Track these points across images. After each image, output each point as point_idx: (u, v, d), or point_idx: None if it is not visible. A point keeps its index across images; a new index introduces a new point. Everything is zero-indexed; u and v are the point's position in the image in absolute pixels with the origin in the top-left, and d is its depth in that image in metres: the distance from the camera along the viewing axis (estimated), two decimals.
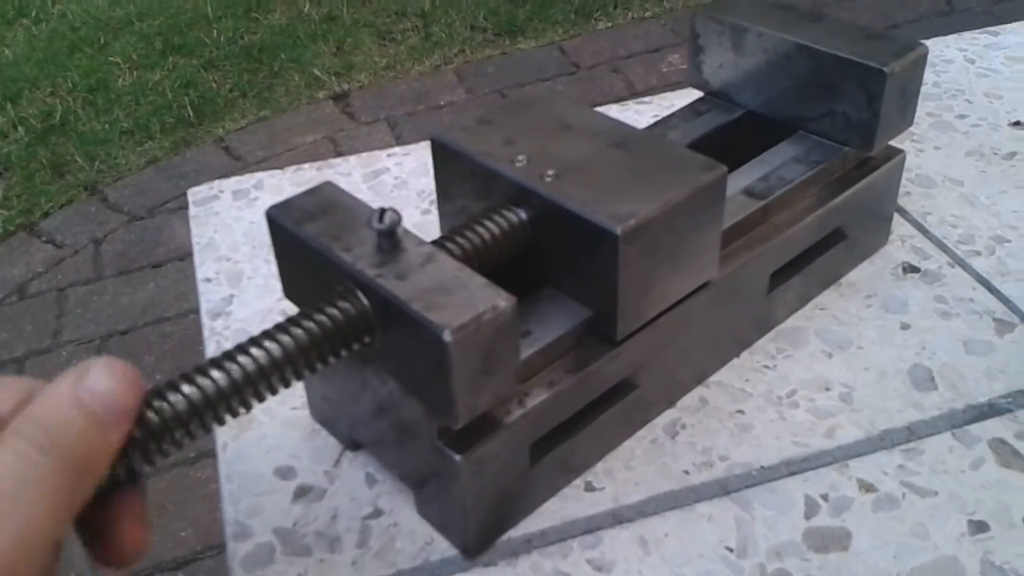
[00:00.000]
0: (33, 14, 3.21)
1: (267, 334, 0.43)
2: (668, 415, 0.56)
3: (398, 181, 0.76)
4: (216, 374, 0.41)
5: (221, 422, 0.41)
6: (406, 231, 0.46)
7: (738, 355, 0.60)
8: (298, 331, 0.43)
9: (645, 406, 0.55)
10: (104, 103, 2.75)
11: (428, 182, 0.76)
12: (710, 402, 0.57)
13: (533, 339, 0.49)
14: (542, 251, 0.51)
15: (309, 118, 2.65)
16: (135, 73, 2.86)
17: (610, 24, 2.96)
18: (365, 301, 0.44)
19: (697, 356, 0.57)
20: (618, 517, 0.51)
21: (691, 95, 0.69)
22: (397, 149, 0.80)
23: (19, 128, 2.66)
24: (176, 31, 3.03)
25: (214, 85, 2.79)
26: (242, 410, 0.42)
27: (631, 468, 0.53)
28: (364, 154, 0.79)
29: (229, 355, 0.42)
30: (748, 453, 0.53)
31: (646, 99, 0.86)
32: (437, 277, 0.43)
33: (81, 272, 2.23)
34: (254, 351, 0.42)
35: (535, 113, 0.56)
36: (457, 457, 0.45)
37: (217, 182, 0.76)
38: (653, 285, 0.50)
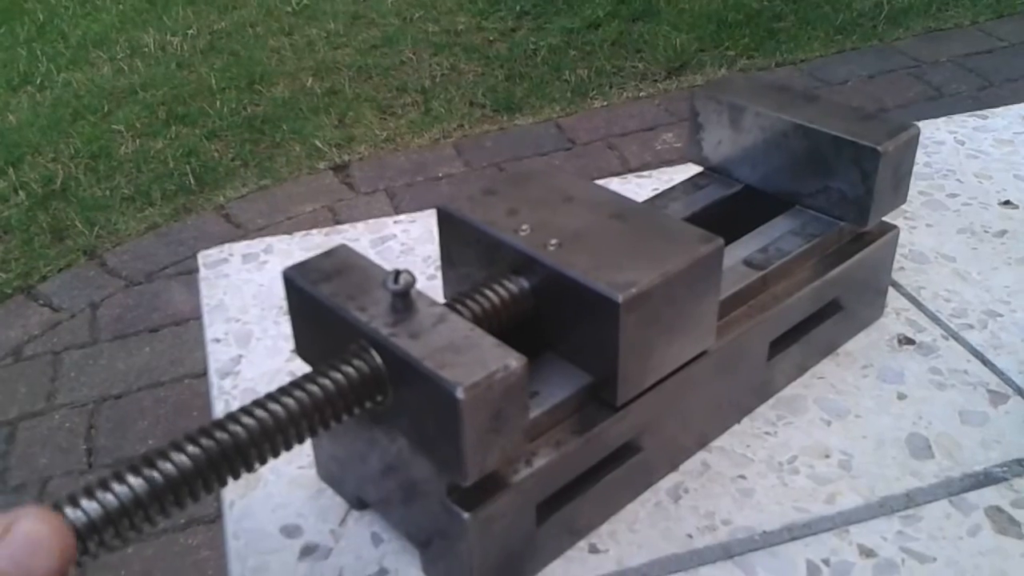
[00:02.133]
0: (38, 81, 3.26)
1: (283, 391, 0.44)
2: (671, 479, 0.57)
3: (404, 247, 0.78)
4: (220, 435, 0.41)
5: (223, 483, 0.42)
6: (420, 292, 0.47)
7: (739, 421, 0.61)
8: (313, 388, 0.44)
9: (648, 469, 0.56)
10: (106, 169, 2.79)
11: (433, 248, 0.77)
12: (712, 466, 0.58)
13: (540, 400, 0.50)
14: (544, 317, 0.52)
15: (309, 188, 2.69)
16: (137, 141, 2.90)
17: (606, 103, 3.03)
18: (378, 359, 0.45)
19: (699, 421, 0.58)
20: None
21: (688, 170, 0.71)
22: (403, 216, 0.82)
23: (20, 192, 2.69)
24: (179, 101, 3.08)
25: (216, 154, 2.83)
26: (256, 465, 0.42)
27: (635, 531, 0.54)
28: (371, 220, 0.81)
29: (241, 413, 0.43)
30: (750, 517, 0.54)
31: (645, 173, 0.89)
32: (449, 337, 0.44)
33: (77, 336, 2.23)
34: (271, 406, 0.43)
35: (537, 185, 0.58)
36: (465, 515, 0.46)
37: (227, 245, 0.78)
38: (652, 352, 0.51)
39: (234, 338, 0.68)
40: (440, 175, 2.72)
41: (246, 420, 0.42)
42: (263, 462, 0.43)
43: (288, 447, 0.44)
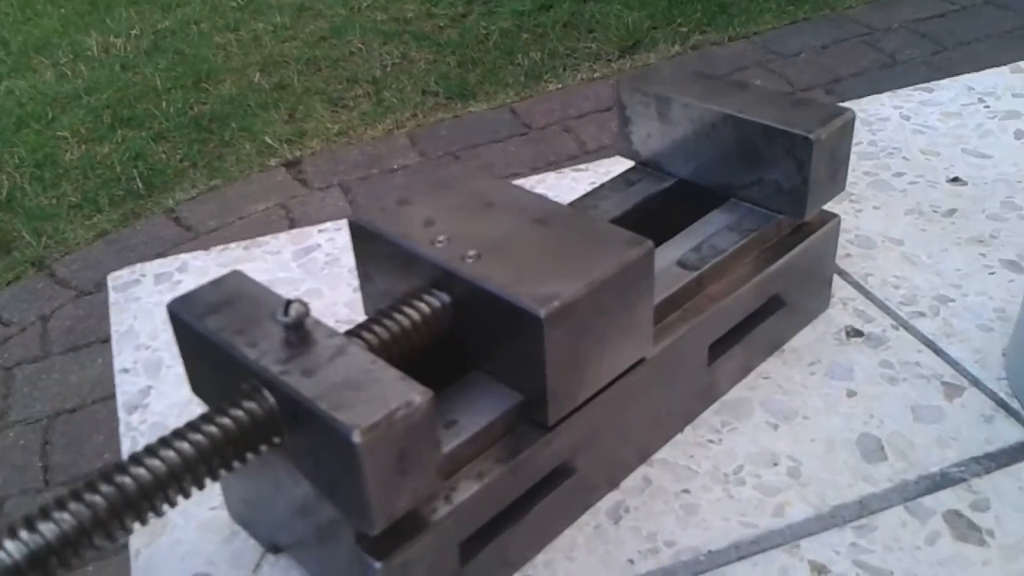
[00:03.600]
0: None
1: (164, 441, 0.40)
2: (611, 498, 0.53)
3: (330, 258, 0.74)
4: (106, 489, 0.38)
5: (113, 540, 0.38)
6: (316, 322, 0.43)
7: (682, 430, 0.57)
8: (198, 437, 0.40)
9: (585, 491, 0.52)
10: (52, 177, 2.71)
11: None
12: (654, 482, 0.54)
13: (459, 428, 0.46)
14: (467, 334, 0.49)
15: (261, 186, 2.63)
16: (83, 147, 2.82)
17: (560, 86, 2.99)
18: (271, 400, 0.41)
19: (638, 434, 0.55)
20: None
21: (625, 162, 0.68)
22: (328, 224, 0.78)
23: None
24: (124, 104, 3.00)
25: (164, 156, 2.76)
26: (145, 518, 0.39)
27: (573, 559, 0.50)
28: (295, 231, 0.77)
29: (120, 467, 0.39)
30: (695, 536, 0.51)
31: (582, 167, 0.85)
32: (347, 372, 0.41)
33: (29, 349, 2.17)
34: (149, 461, 0.39)
35: (456, 191, 0.54)
36: (377, 564, 0.42)
37: (139, 265, 0.73)
38: (584, 366, 0.48)
39: (143, 367, 0.64)
40: (395, 167, 2.67)
41: (128, 475, 0.38)
42: (149, 518, 0.39)
43: (172, 503, 0.40)
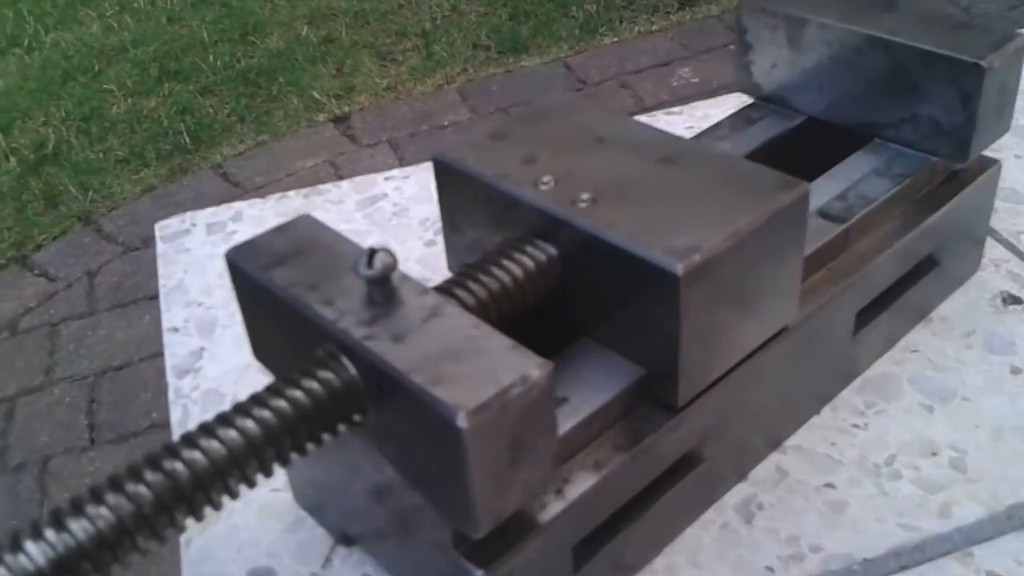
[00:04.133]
0: (26, 43, 3.13)
1: (223, 419, 0.32)
2: (740, 491, 0.45)
3: (397, 208, 0.66)
4: (153, 477, 0.30)
5: (162, 540, 0.31)
6: (404, 277, 0.35)
7: (819, 412, 0.49)
8: (264, 413, 0.32)
9: (712, 482, 0.44)
10: (98, 131, 2.66)
11: (433, 208, 0.65)
12: (790, 473, 0.46)
13: (571, 408, 0.38)
14: (577, 293, 0.40)
15: (309, 142, 2.56)
16: (130, 100, 2.77)
17: (616, 39, 2.87)
18: (352, 370, 0.33)
19: (771, 416, 0.46)
20: None
21: (730, 102, 0.59)
22: (395, 172, 0.69)
23: (11, 159, 2.57)
24: (171, 57, 2.94)
25: (211, 110, 2.70)
26: (201, 513, 0.31)
27: (699, 565, 0.42)
28: (359, 178, 0.69)
29: (171, 450, 0.31)
30: (845, 541, 0.42)
31: (675, 109, 0.76)
32: (446, 338, 0.33)
33: (75, 306, 2.13)
34: (206, 443, 0.31)
35: (558, 123, 0.45)
36: (478, 573, 0.34)
37: (189, 214, 0.66)
38: (722, 334, 0.39)
39: (195, 326, 0.57)
40: (445, 123, 2.58)
41: (181, 460, 0.31)
42: (199, 517, 0.32)
43: (235, 492, 0.32)
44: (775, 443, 0.47)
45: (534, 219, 0.40)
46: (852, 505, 0.44)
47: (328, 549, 0.44)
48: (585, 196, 0.40)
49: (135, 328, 2.03)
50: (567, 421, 0.37)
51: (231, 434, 0.32)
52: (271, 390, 0.33)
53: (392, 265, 0.34)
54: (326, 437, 0.34)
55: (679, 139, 0.44)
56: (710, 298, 0.37)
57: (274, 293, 0.36)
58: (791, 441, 0.47)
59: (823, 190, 0.49)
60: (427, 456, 0.32)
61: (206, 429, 0.32)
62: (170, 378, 0.53)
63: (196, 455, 0.31)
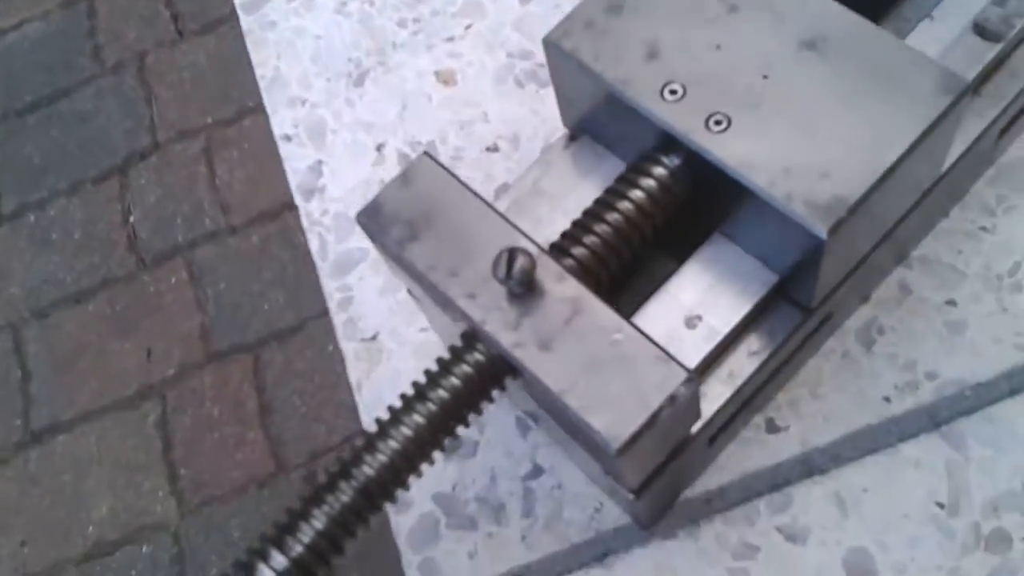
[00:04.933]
0: None
1: (406, 406, 0.36)
2: (862, 314, 0.47)
3: None
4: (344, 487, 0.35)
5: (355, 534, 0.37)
6: (541, 257, 0.35)
7: (947, 213, 0.48)
8: (431, 407, 0.36)
9: (838, 323, 0.46)
10: None
11: None
12: (914, 290, 0.47)
13: (707, 329, 0.39)
14: (709, 202, 0.39)
15: None
16: None
17: None
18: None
19: (900, 227, 0.46)
20: (808, 466, 0.45)
21: None
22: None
23: None
24: None
25: None
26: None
27: (819, 396, 0.46)
28: None
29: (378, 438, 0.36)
30: (960, 365, 0.45)
31: None
32: (591, 345, 0.34)
33: None
34: (386, 444, 0.36)
35: None
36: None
37: None
38: (865, 238, 0.39)
39: (305, 132, 0.56)
40: None
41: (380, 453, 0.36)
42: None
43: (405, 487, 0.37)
44: (902, 256, 0.47)
45: (661, 135, 0.38)
46: (971, 325, 0.46)
47: None
48: (720, 114, 0.37)
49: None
50: (704, 345, 0.39)
51: (407, 432, 0.36)
52: (433, 382, 0.36)
53: (532, 268, 0.34)
54: (482, 407, 0.37)
55: (828, 6, 0.38)
56: (855, 231, 0.36)
57: (417, 270, 0.37)
58: (917, 251, 0.48)
59: None
60: (590, 451, 0.36)
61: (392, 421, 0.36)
62: (298, 200, 0.55)
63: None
